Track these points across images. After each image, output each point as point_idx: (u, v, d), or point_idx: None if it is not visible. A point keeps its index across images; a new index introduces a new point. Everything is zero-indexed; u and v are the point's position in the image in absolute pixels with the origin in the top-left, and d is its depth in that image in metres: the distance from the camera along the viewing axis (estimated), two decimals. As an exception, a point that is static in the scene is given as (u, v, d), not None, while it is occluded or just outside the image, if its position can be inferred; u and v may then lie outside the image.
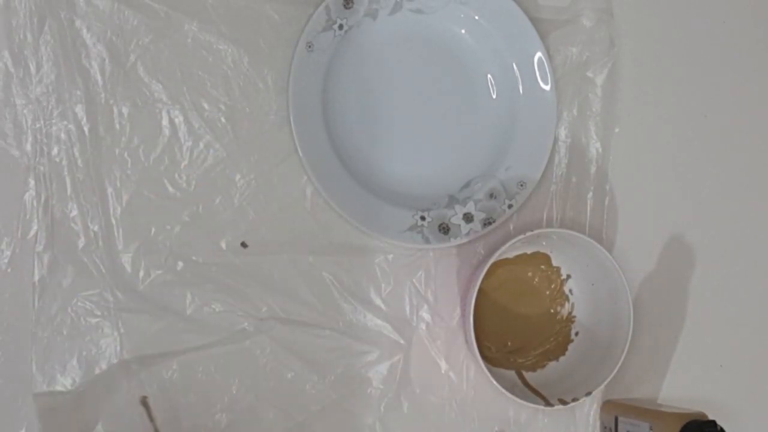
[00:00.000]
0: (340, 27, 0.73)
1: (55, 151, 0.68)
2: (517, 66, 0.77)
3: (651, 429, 0.70)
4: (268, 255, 0.71)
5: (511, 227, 0.77)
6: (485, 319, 0.75)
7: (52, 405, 0.66)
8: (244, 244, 0.71)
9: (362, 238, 0.73)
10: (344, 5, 0.73)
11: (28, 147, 0.68)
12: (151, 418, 0.66)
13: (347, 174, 0.73)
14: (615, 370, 0.71)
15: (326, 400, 0.71)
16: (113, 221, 0.69)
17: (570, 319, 0.77)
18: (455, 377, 0.74)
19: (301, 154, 0.71)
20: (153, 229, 0.70)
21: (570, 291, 0.77)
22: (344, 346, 0.72)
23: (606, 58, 0.78)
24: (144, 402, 0.67)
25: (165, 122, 0.70)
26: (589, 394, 0.71)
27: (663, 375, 0.79)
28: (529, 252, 0.77)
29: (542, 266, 0.77)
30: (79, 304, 0.67)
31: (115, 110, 0.69)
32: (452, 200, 0.75)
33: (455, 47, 0.77)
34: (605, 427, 0.75)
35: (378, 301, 0.73)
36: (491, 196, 0.75)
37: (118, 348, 0.68)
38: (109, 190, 0.69)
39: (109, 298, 0.68)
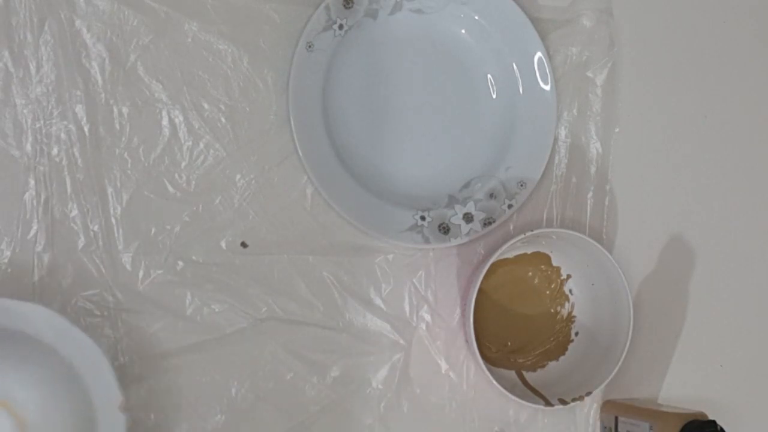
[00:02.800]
0: (340, 27, 0.73)
1: (55, 151, 0.68)
2: (517, 66, 0.77)
3: (651, 429, 0.70)
4: (268, 255, 0.71)
5: (511, 227, 0.77)
6: (485, 319, 0.75)
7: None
8: (244, 244, 0.71)
9: (362, 238, 0.73)
10: (344, 5, 0.73)
11: (28, 147, 0.68)
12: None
13: (347, 174, 0.73)
14: (615, 370, 0.71)
15: (326, 400, 0.72)
16: (113, 221, 0.69)
17: (570, 319, 0.77)
18: (455, 377, 0.74)
19: (301, 154, 0.71)
20: (153, 229, 0.70)
21: (570, 291, 0.77)
22: (344, 346, 0.72)
23: (606, 58, 0.78)
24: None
25: (165, 122, 0.70)
26: (589, 394, 0.71)
27: (663, 375, 0.79)
28: (529, 252, 0.77)
29: (542, 266, 0.77)
30: (79, 304, 0.67)
31: (115, 110, 0.69)
32: (452, 200, 0.75)
33: (455, 47, 0.77)
34: (605, 427, 0.75)
35: (378, 301, 0.73)
36: (491, 196, 0.75)
37: (119, 348, 0.68)
38: (109, 190, 0.69)
39: (109, 298, 0.68)
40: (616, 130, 0.79)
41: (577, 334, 0.77)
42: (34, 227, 0.67)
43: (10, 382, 0.58)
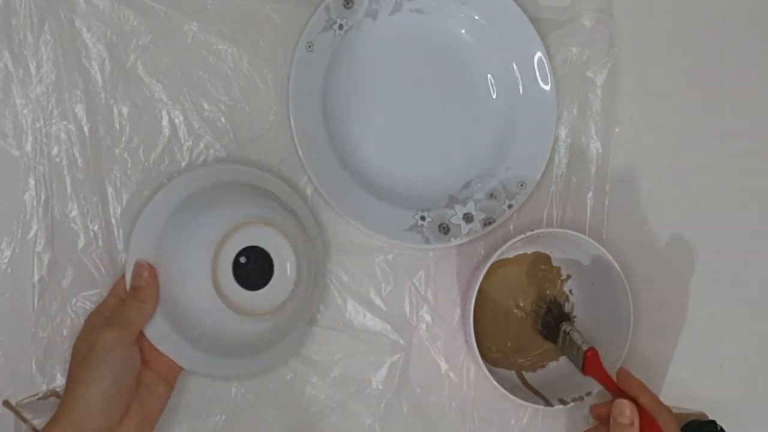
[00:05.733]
0: (340, 27, 0.73)
1: (55, 151, 0.68)
2: (517, 66, 0.77)
3: (651, 429, 0.70)
4: (268, 255, 0.71)
5: (511, 227, 0.77)
6: (485, 319, 0.75)
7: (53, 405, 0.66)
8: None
9: (362, 238, 0.73)
10: (344, 5, 0.73)
11: (28, 147, 0.68)
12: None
13: (347, 174, 0.73)
14: (615, 370, 0.71)
15: (326, 400, 0.72)
16: (113, 221, 0.69)
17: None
18: (455, 377, 0.74)
19: (301, 154, 0.71)
20: (153, 229, 0.69)
21: (570, 291, 0.77)
22: (344, 346, 0.72)
23: (606, 58, 0.78)
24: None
25: (165, 122, 0.70)
26: (589, 394, 0.72)
27: (663, 375, 0.79)
28: (529, 252, 0.77)
29: (542, 266, 0.77)
30: (79, 304, 0.67)
31: (115, 110, 0.69)
32: (452, 200, 0.75)
33: (455, 47, 0.77)
34: (605, 427, 0.75)
35: (378, 301, 0.73)
36: (491, 196, 0.75)
37: (118, 348, 0.68)
38: (109, 190, 0.69)
39: (109, 298, 0.68)
40: (616, 130, 0.79)
41: (577, 334, 0.77)
42: (34, 227, 0.67)
43: (270, 213, 0.65)
